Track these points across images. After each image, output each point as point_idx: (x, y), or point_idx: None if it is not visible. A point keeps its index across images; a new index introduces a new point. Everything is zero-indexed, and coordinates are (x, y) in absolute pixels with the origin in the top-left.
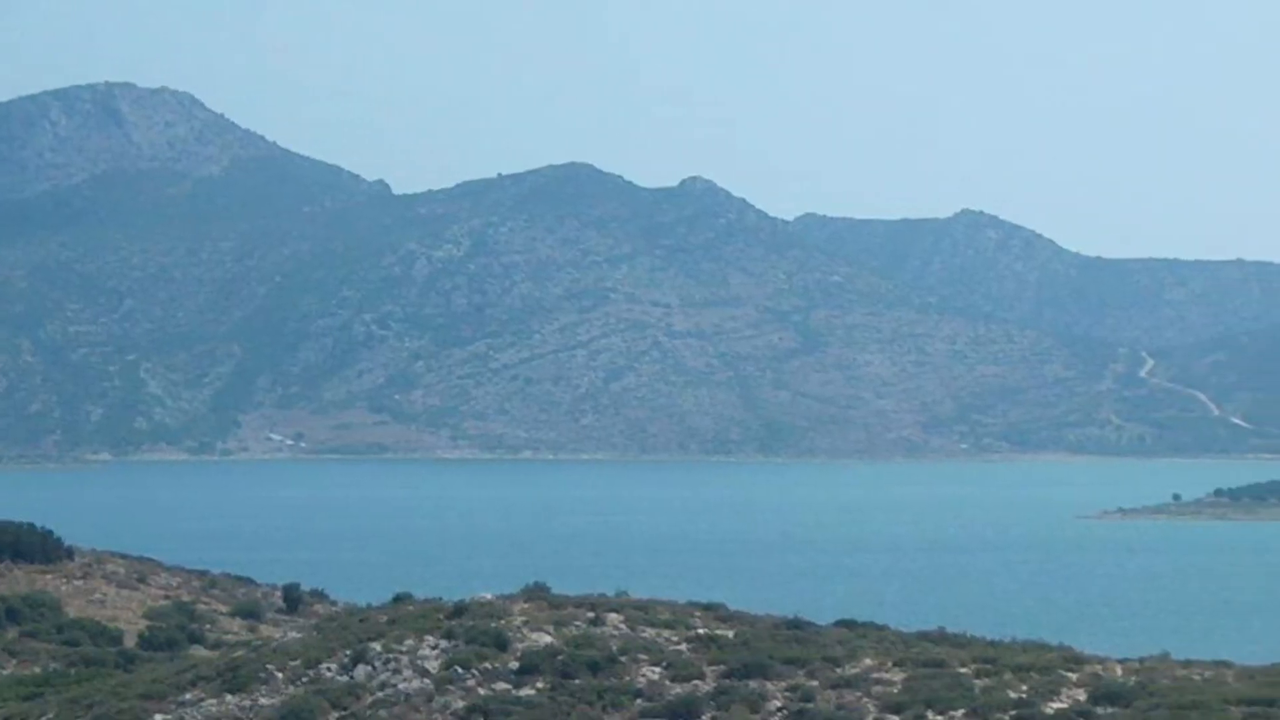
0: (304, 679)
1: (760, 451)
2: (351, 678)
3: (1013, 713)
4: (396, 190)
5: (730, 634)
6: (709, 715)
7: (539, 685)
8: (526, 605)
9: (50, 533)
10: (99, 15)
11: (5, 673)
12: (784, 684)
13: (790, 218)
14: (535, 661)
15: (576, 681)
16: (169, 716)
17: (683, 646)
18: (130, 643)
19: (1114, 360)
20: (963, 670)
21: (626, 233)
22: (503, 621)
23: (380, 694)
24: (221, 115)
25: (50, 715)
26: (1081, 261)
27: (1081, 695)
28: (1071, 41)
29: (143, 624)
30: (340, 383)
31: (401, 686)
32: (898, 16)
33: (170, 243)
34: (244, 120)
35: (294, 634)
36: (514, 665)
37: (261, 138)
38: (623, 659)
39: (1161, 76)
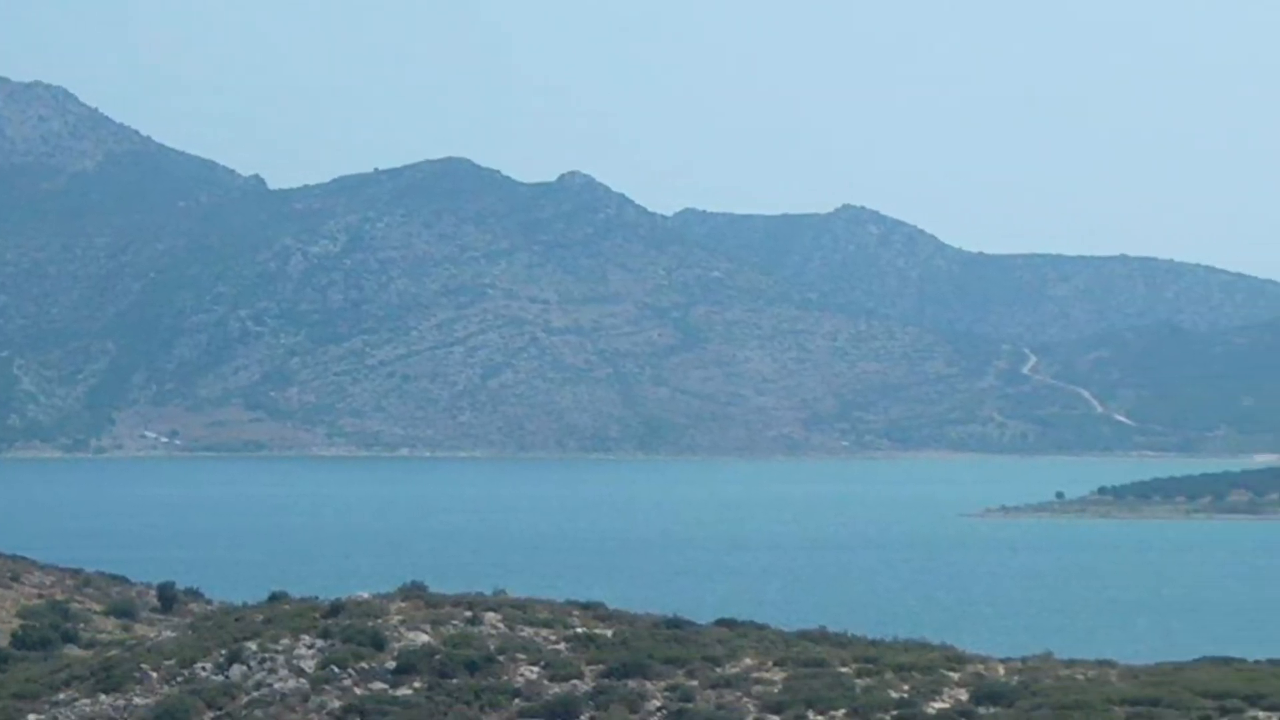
0: (179, 678)
1: (639, 449)
2: (227, 677)
3: (894, 713)
4: (272, 185)
5: (609, 633)
6: (587, 715)
7: (416, 685)
8: (404, 604)
9: None
10: None
11: None
12: (663, 684)
13: (669, 213)
14: (412, 661)
15: (454, 681)
16: (42, 716)
17: (561, 646)
18: (3, 642)
19: (997, 357)
20: (844, 670)
21: (504, 228)
22: (379, 621)
23: (256, 694)
24: (95, 110)
25: None
26: (964, 257)
27: (963, 695)
28: (952, 35)
29: (16, 623)
30: (215, 380)
31: (277, 686)
32: (777, 10)
33: (44, 238)
34: (118, 115)
35: (169, 633)
36: (391, 665)
37: (136, 132)
38: (501, 658)
39: (1044, 70)
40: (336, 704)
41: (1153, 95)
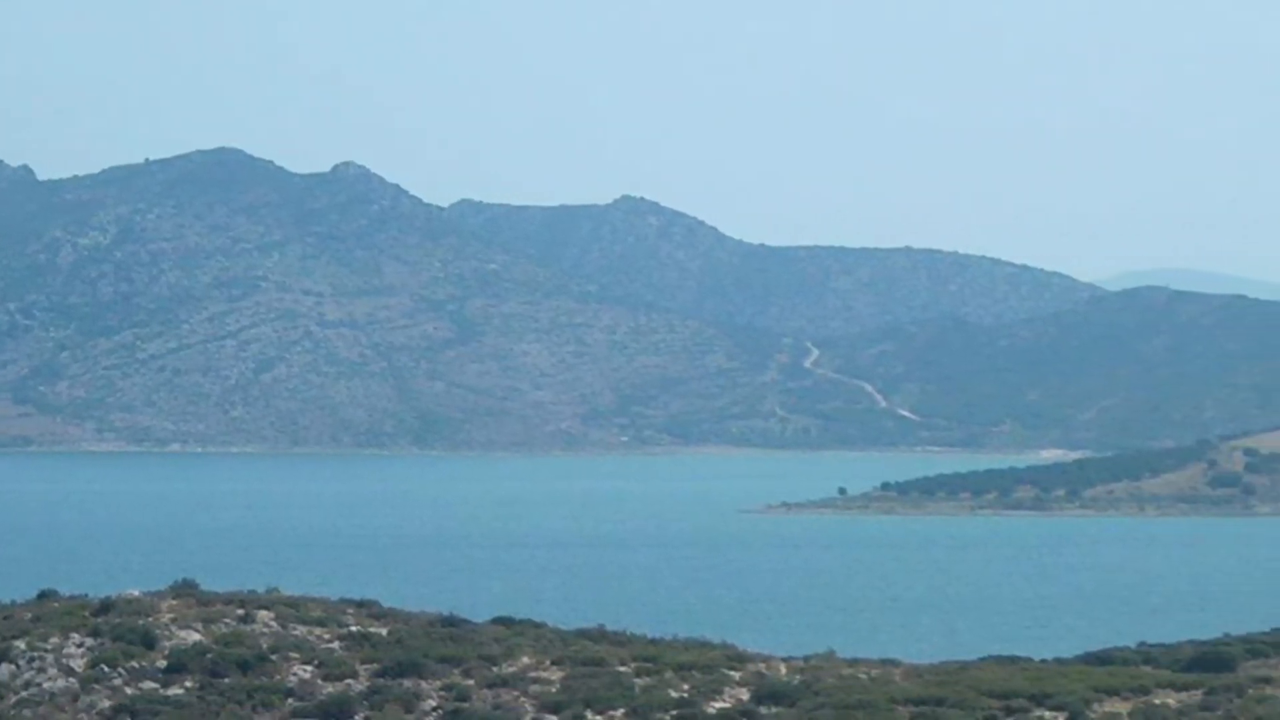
0: None
1: (415, 444)
2: None
3: (674, 712)
4: (41, 176)
5: (384, 632)
6: (362, 715)
7: (188, 684)
8: (175, 602)
9: None
10: None
11: None
12: (439, 683)
13: (445, 204)
14: (184, 660)
15: (226, 680)
16: None
17: (335, 645)
18: None
19: (778, 351)
20: (623, 669)
21: (278, 220)
22: (150, 619)
23: (24, 693)
24: None
25: None
26: (745, 249)
27: (745, 694)
28: (734, 25)
29: None
30: None
31: (46, 685)
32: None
33: None
34: None
35: None
36: (162, 664)
37: None
38: (274, 657)
39: (827, 62)
40: (106, 704)
41: (936, 87)
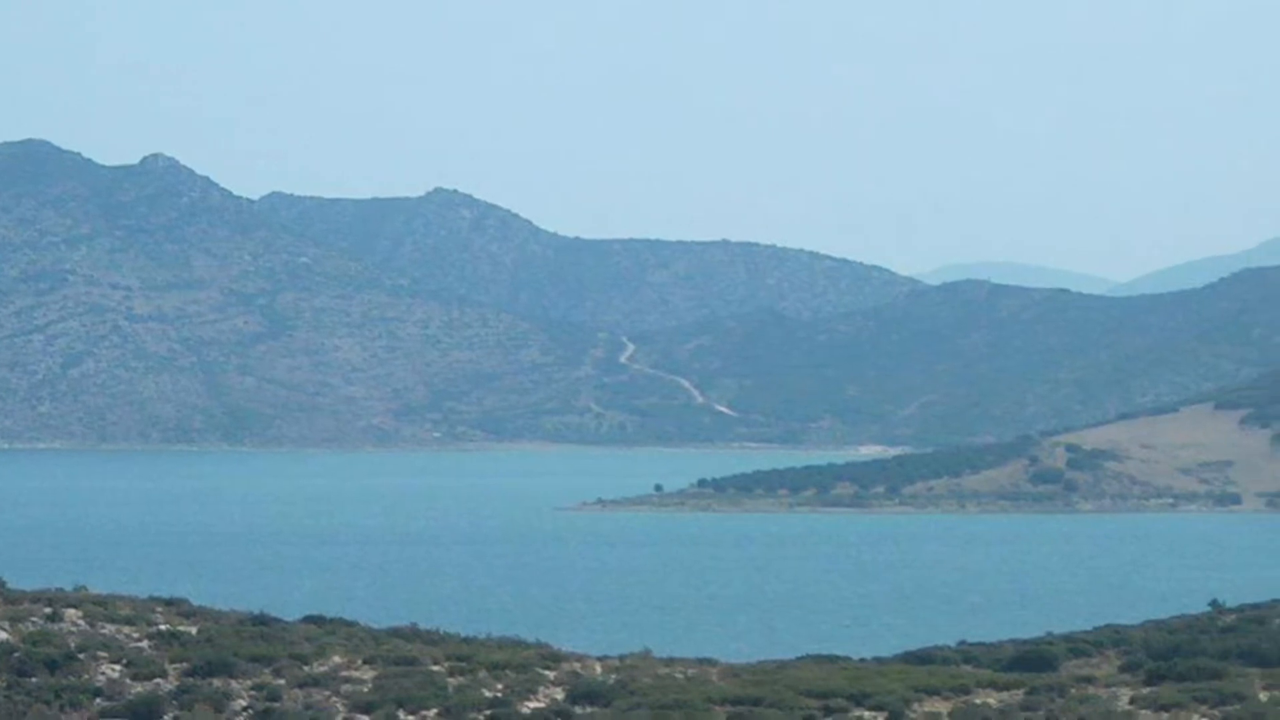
0: None
1: (225, 440)
2: None
3: (488, 712)
4: None
5: (193, 630)
6: (171, 715)
7: None
8: None
9: None
10: None
11: None
12: (249, 682)
13: (256, 197)
14: None
15: (33, 680)
16: None
17: (144, 643)
18: None
19: (594, 345)
20: (436, 668)
21: (85, 212)
22: None
23: None
24: None
25: None
26: (560, 243)
27: (559, 694)
28: (546, 15)
29: None
30: None
31: None
32: None
33: None
34: None
35: None
36: None
37: None
38: (81, 656)
39: (642, 52)
40: None
41: (754, 78)
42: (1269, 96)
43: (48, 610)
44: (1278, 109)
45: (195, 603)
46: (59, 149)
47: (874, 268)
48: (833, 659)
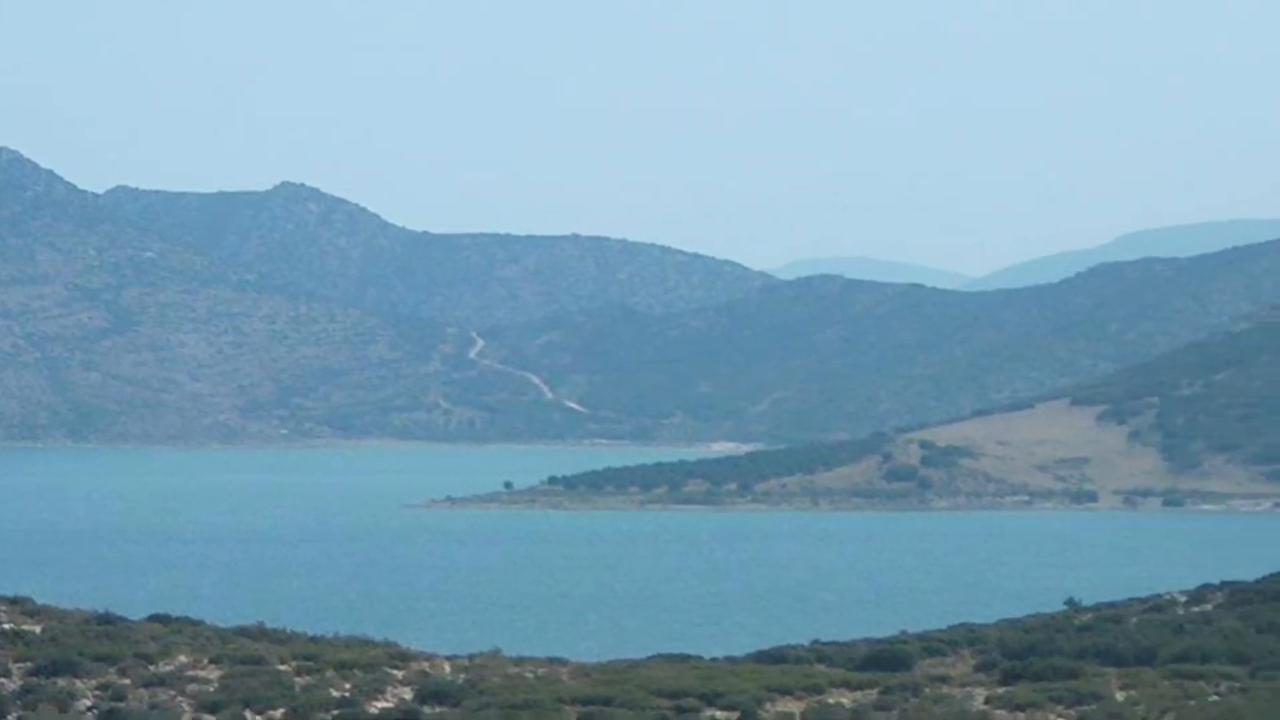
0: None
1: (70, 437)
2: None
3: (335, 712)
4: None
5: (37, 629)
6: (15, 715)
7: None
8: None
9: None
10: None
11: None
12: (94, 682)
13: (101, 190)
14: None
15: None
16: None
17: None
18: None
19: (442, 341)
20: (283, 667)
21: None
22: None
23: None
24: None
25: None
26: (408, 237)
27: (408, 694)
28: (392, 7)
29: None
30: None
31: None
32: None
33: None
34: None
35: None
36: None
37: None
38: None
39: (489, 44)
40: None
41: (604, 69)
42: (1124, 92)
43: None
44: (1133, 104)
45: (39, 601)
46: None
47: (726, 262)
48: (684, 658)
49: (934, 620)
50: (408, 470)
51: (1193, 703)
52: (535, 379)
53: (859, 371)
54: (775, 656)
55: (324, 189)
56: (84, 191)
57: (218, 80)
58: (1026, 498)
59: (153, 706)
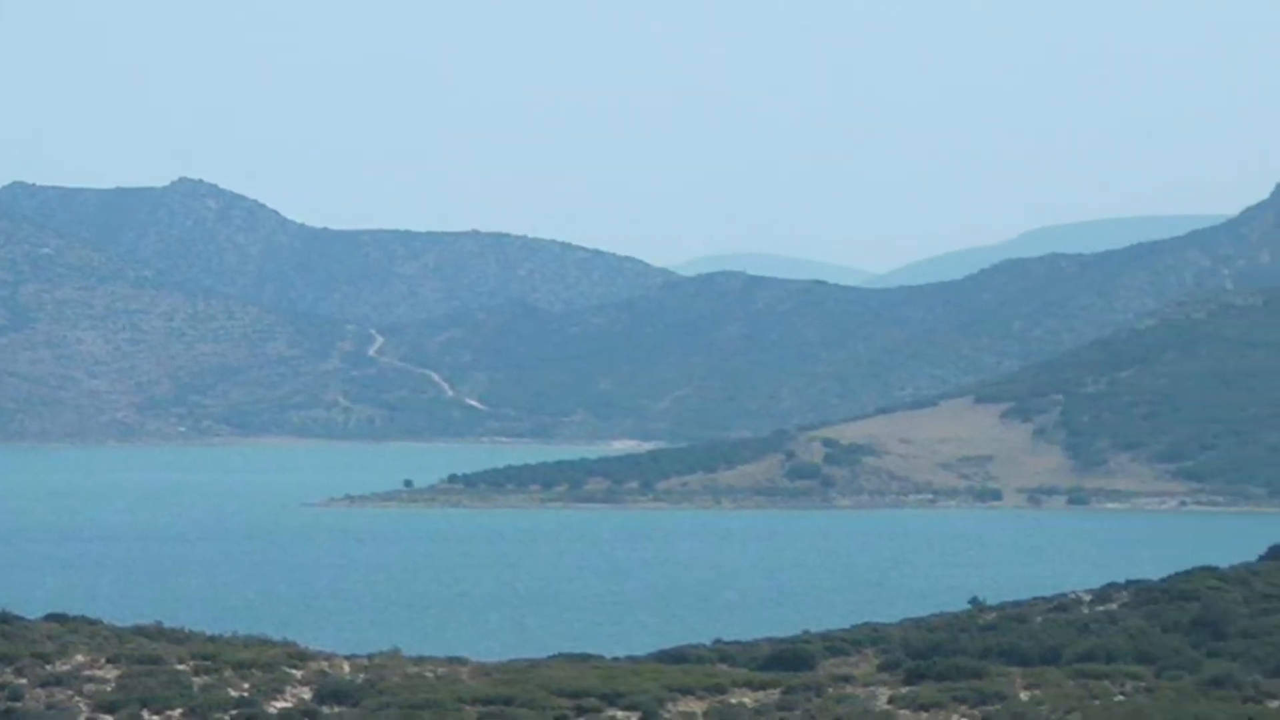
0: None
1: None
2: None
3: (234, 712)
4: None
5: None
6: None
7: None
8: None
9: None
10: None
11: None
12: None
13: None
14: None
15: None
16: None
17: None
18: None
19: (342, 338)
20: (181, 667)
21: None
22: None
23: None
24: None
25: None
26: (308, 233)
27: (307, 693)
28: (288, 2)
29: None
30: None
31: None
32: None
33: None
34: None
35: None
36: None
37: None
38: None
39: (387, 38)
40: None
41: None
42: (1028, 88)
43: None
44: (1037, 100)
45: None
46: None
47: (628, 259)
48: (585, 658)
49: (837, 619)
50: (307, 468)
51: (1098, 703)
52: (435, 376)
53: (761, 369)
54: (677, 656)
55: (222, 185)
56: None
57: (115, 74)
58: (930, 496)
59: (50, 706)
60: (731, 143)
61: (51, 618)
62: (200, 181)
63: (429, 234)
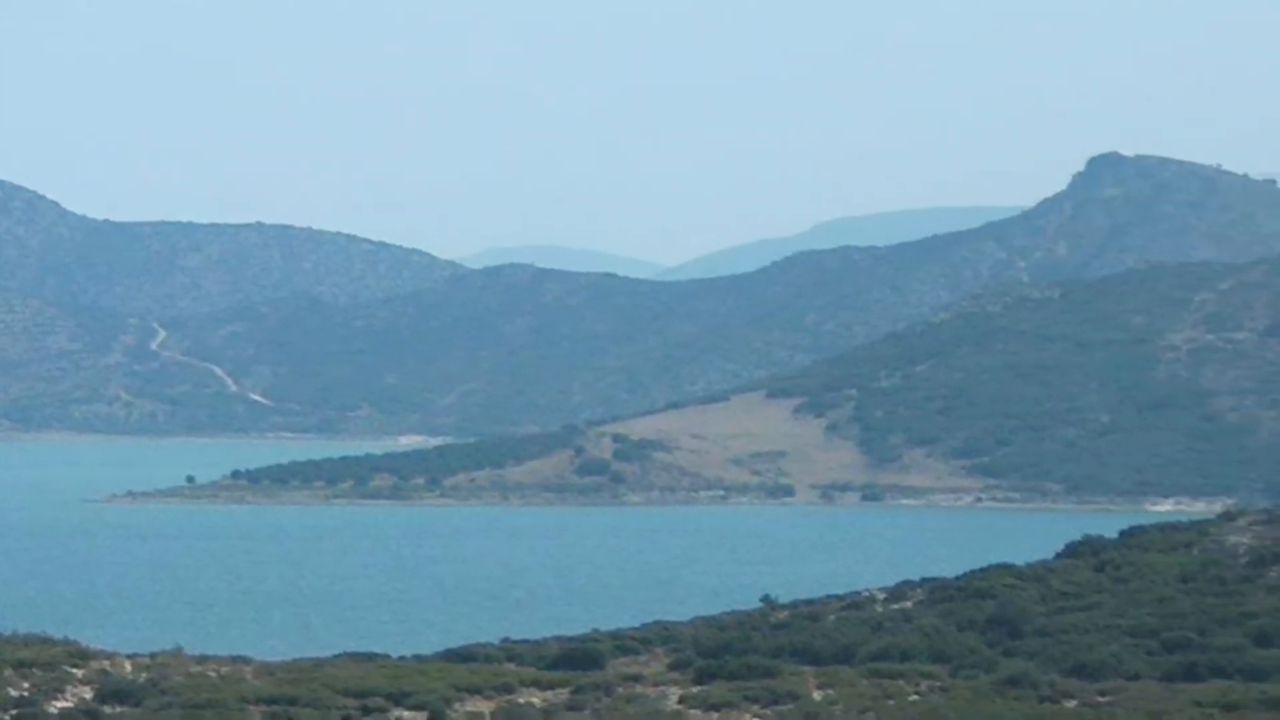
0: None
1: None
2: None
3: (14, 712)
4: None
5: None
6: None
7: None
8: None
9: None
10: None
11: None
12: None
13: None
14: None
15: None
16: None
17: None
18: None
19: (124, 332)
20: None
21: None
22: None
23: None
24: None
25: None
26: (89, 225)
27: (88, 693)
28: None
29: None
30: None
31: None
32: None
33: None
34: None
35: None
36: None
37: None
38: None
39: (170, 27)
40: None
41: (286, 55)
42: (819, 77)
43: None
44: (828, 90)
45: None
46: None
47: (414, 251)
48: (371, 657)
49: (627, 618)
50: (88, 464)
51: (892, 702)
52: (218, 370)
53: (550, 363)
54: (464, 655)
55: (1, 176)
56: None
57: None
58: (722, 492)
59: None
60: (520, 134)
61: None
62: None
63: (212, 226)
